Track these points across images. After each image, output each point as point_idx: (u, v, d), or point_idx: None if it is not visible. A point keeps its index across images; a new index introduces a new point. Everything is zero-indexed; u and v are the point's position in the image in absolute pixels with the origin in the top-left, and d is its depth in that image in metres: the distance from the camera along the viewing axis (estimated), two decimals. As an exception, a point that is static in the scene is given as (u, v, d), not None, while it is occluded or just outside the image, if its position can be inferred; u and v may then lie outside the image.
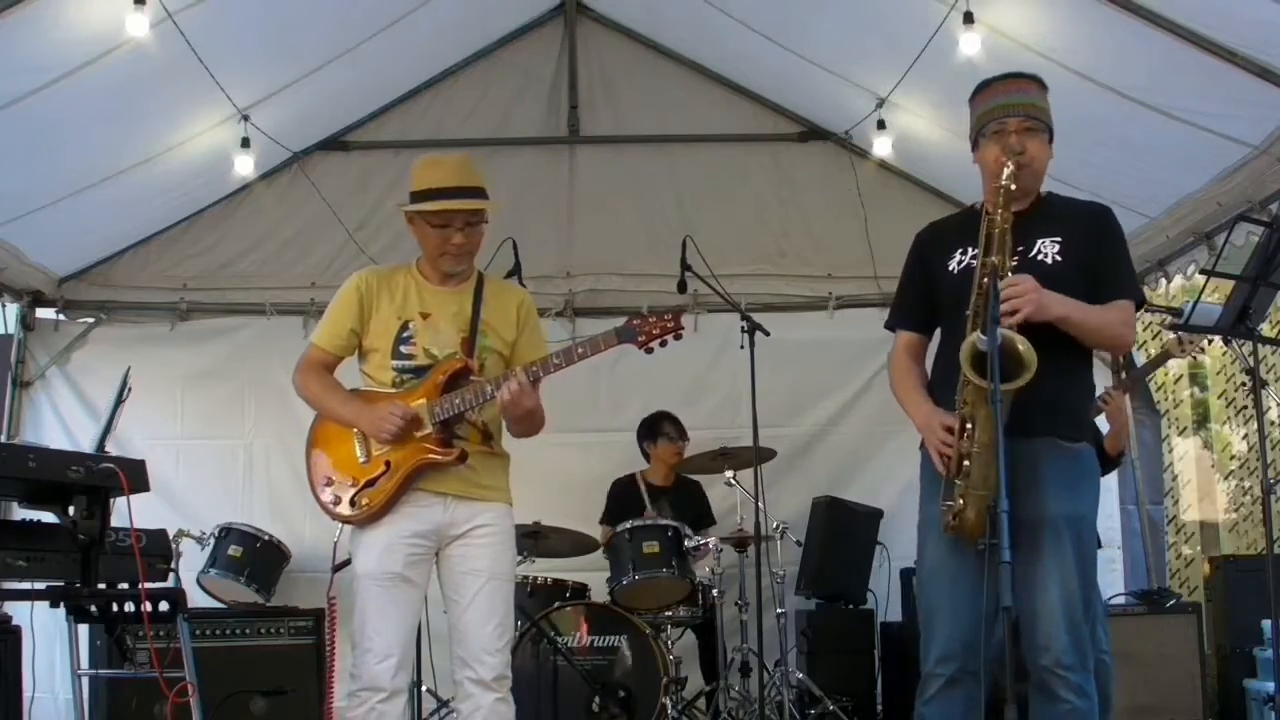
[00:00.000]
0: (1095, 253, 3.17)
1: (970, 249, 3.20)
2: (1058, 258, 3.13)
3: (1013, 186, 3.09)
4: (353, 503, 3.55)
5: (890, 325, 3.48)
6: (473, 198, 3.56)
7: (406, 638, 3.51)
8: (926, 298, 3.36)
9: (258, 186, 6.75)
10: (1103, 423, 4.89)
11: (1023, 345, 2.90)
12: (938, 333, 3.37)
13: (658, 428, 6.29)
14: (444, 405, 3.51)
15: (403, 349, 3.59)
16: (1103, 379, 6.72)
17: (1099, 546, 4.65)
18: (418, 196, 3.58)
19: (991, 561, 2.73)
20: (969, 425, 3.01)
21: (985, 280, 3.03)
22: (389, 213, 6.61)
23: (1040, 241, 3.15)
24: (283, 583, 6.03)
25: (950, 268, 3.26)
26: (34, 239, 6.00)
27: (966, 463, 3.02)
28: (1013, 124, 3.16)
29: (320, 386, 3.66)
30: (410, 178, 3.64)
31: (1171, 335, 4.61)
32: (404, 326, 3.61)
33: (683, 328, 3.54)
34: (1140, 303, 3.28)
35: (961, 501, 3.03)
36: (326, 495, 3.61)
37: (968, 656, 3.06)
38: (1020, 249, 3.11)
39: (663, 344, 3.54)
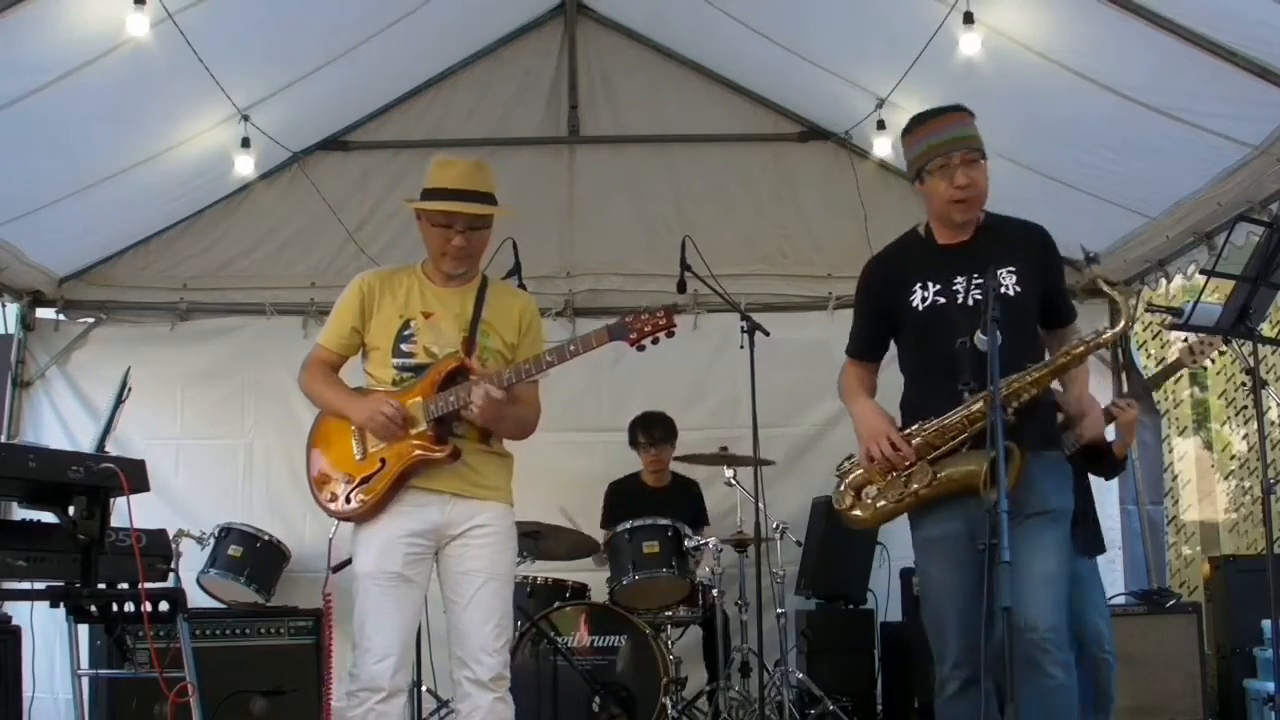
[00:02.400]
0: (1046, 279, 3.39)
1: (932, 284, 3.35)
2: (1017, 289, 3.30)
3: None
4: (349, 499, 3.57)
5: (851, 353, 3.62)
6: (478, 202, 3.57)
7: (406, 637, 3.51)
8: (885, 330, 3.53)
9: (258, 186, 6.75)
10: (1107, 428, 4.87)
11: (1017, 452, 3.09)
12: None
13: (633, 436, 6.21)
14: (438, 403, 3.52)
15: (403, 347, 3.61)
16: (1102, 381, 6.79)
17: (1102, 550, 4.68)
18: (426, 194, 3.60)
19: (991, 562, 2.78)
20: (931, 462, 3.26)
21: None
22: (389, 212, 6.63)
23: (998, 273, 3.26)
24: (283, 583, 6.04)
25: (914, 304, 3.39)
26: (34, 239, 6.00)
27: (895, 474, 3.29)
28: (957, 158, 3.30)
29: (321, 383, 3.70)
30: (425, 175, 3.66)
31: (1183, 344, 4.61)
32: (405, 325, 3.62)
33: (675, 325, 3.53)
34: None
35: (875, 490, 3.34)
36: (324, 492, 3.63)
37: (979, 662, 3.14)
38: (978, 278, 3.26)
39: (654, 341, 3.54)
